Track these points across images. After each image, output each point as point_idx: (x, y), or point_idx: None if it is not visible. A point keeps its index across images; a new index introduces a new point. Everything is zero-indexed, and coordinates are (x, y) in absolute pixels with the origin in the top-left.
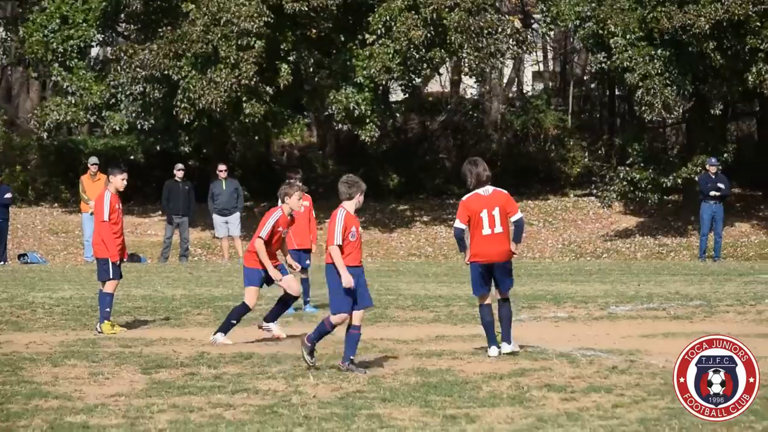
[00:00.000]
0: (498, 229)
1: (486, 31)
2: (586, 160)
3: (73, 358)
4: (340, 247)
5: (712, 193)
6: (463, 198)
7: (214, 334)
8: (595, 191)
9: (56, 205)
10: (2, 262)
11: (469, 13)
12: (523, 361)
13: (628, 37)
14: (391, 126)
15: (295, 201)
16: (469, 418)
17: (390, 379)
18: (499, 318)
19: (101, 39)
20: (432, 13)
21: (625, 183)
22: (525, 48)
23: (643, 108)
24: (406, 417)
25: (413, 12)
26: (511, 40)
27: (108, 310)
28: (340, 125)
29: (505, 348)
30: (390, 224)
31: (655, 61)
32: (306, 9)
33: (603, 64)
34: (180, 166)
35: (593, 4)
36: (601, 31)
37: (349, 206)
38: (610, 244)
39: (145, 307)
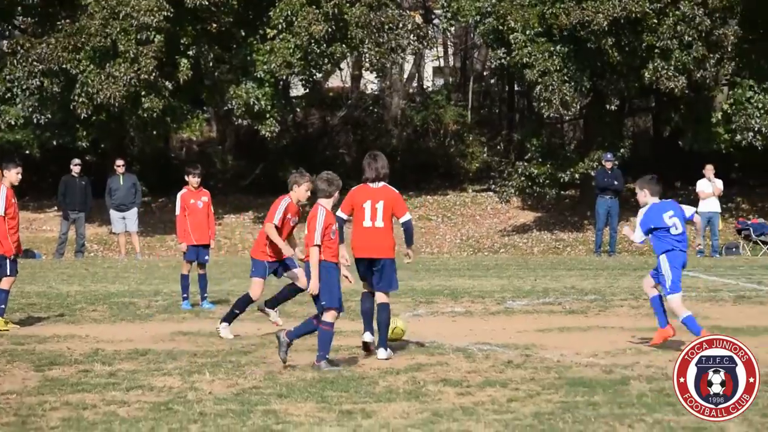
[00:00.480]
0: (379, 223)
1: (387, 27)
2: (485, 155)
3: None
4: (319, 247)
5: (601, 197)
6: (353, 188)
7: (220, 322)
8: (493, 186)
9: None
10: None
11: (370, 8)
12: (419, 356)
13: (527, 33)
14: (291, 121)
15: (303, 191)
16: (365, 413)
17: (287, 375)
18: (377, 321)
19: None
20: (333, 8)
21: (523, 178)
22: (426, 43)
23: (542, 104)
24: (302, 413)
25: (314, 7)
26: (411, 35)
27: (3, 306)
28: (240, 120)
29: (381, 354)
30: None
31: (554, 57)
32: (206, 3)
33: (503, 60)
34: (77, 161)
35: (494, 0)
36: (501, 27)
37: (327, 204)
38: (508, 239)
39: (39, 304)
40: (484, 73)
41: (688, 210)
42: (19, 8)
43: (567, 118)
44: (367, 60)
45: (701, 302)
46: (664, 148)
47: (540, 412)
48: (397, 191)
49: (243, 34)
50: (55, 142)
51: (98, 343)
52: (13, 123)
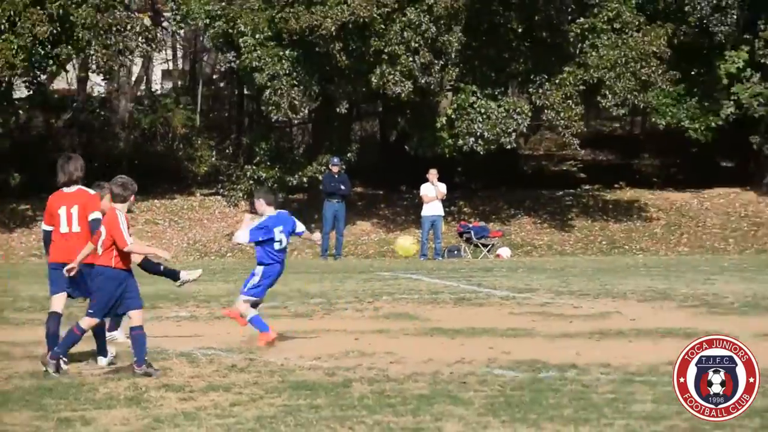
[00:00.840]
0: (75, 228)
1: (115, 28)
2: (213, 159)
3: None
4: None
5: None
6: (50, 196)
7: None
8: (221, 190)
9: None
10: None
11: (97, 9)
12: None
13: (257, 36)
14: (14, 123)
15: (105, 202)
16: (84, 421)
17: (2, 383)
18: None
19: None
20: (59, 8)
21: (251, 182)
22: (154, 46)
23: (271, 108)
24: (18, 422)
25: (39, 7)
26: (140, 37)
27: None
28: None
29: (101, 361)
30: (10, 224)
31: (284, 61)
32: None
33: (232, 64)
34: None
35: (223, 4)
36: (230, 31)
37: (122, 208)
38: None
39: None
40: (214, 77)
41: (300, 227)
42: None
43: (296, 121)
44: (93, 62)
45: (423, 304)
46: (390, 152)
47: (262, 415)
48: (94, 192)
49: None
50: None
51: None
52: None
